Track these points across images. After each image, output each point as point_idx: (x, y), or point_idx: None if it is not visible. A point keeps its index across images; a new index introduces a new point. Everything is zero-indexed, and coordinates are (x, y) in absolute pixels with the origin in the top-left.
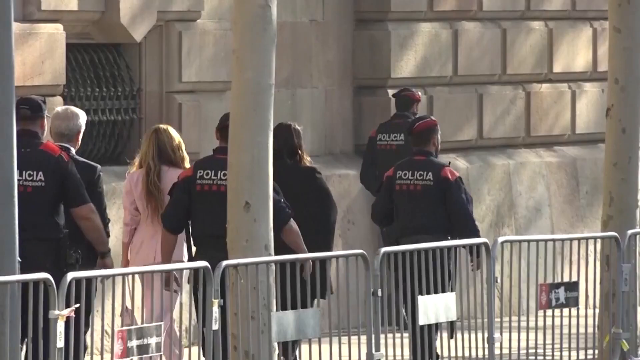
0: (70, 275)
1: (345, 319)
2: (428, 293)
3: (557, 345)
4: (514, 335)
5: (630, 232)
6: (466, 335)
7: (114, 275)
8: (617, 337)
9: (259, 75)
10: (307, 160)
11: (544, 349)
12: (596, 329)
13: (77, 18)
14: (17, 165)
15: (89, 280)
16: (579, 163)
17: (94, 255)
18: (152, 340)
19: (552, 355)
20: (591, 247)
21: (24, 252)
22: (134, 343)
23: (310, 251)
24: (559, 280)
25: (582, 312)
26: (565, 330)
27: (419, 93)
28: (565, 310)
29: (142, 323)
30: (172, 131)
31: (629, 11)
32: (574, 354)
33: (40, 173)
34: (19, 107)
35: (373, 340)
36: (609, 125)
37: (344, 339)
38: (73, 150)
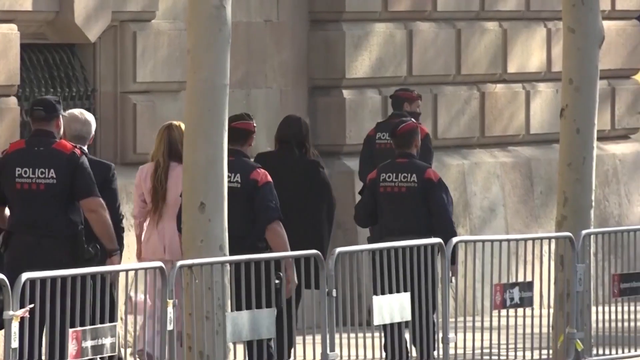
0: (25, 275)
1: (300, 319)
2: (383, 293)
3: (511, 345)
4: (469, 335)
5: (584, 232)
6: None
7: (69, 277)
8: (571, 337)
9: (213, 76)
10: (313, 153)
11: (499, 348)
12: (550, 328)
13: (31, 18)
14: (29, 163)
15: (43, 280)
16: (533, 163)
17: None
18: (107, 341)
19: (507, 355)
20: (545, 247)
21: (40, 249)
22: (88, 343)
23: (303, 243)
24: (514, 281)
25: (536, 312)
26: (520, 330)
27: (416, 92)
28: (520, 310)
29: (146, 315)
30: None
31: (583, 11)
32: (528, 353)
33: (52, 170)
34: (34, 108)
35: (328, 341)
36: (563, 125)
37: (299, 339)
38: (86, 151)
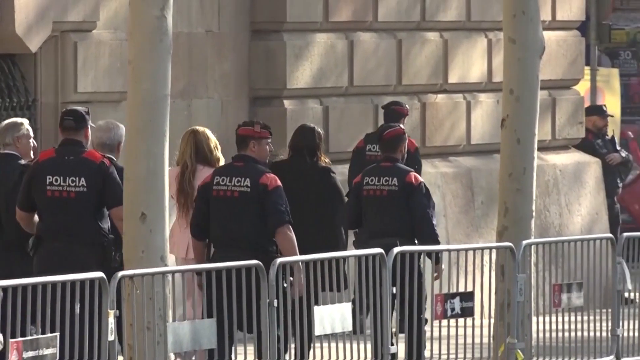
0: None
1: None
2: (324, 303)
3: (452, 356)
4: None
5: (525, 242)
6: (362, 346)
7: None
8: (511, 347)
9: (154, 86)
10: (324, 161)
11: (439, 359)
12: (491, 339)
13: None
14: (60, 172)
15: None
16: (474, 173)
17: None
18: (48, 352)
19: None
20: (486, 258)
21: (70, 254)
22: (29, 354)
23: (320, 248)
24: (454, 291)
25: (477, 322)
26: (461, 341)
27: (407, 107)
28: (461, 321)
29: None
30: (209, 133)
31: (524, 22)
32: None
33: (83, 179)
34: (64, 118)
35: (269, 351)
36: (504, 135)
37: (240, 349)
38: (115, 160)
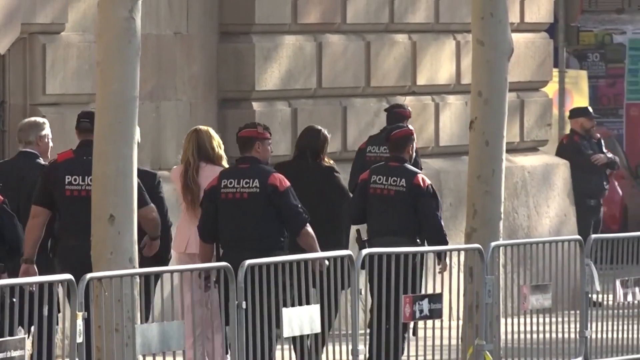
0: None
1: (210, 331)
2: (293, 305)
3: (420, 357)
4: None
5: (493, 244)
6: (330, 348)
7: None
8: (480, 349)
9: (123, 88)
10: (328, 162)
11: None
12: (460, 340)
13: None
14: (79, 171)
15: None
16: (442, 175)
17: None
18: (16, 354)
19: None
20: (455, 259)
21: (86, 251)
22: None
23: (325, 247)
24: (423, 292)
25: (445, 324)
26: (429, 342)
27: (410, 109)
28: (429, 322)
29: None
30: (212, 131)
31: (492, 24)
32: None
33: None
34: (80, 120)
35: (237, 353)
36: (473, 137)
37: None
38: None
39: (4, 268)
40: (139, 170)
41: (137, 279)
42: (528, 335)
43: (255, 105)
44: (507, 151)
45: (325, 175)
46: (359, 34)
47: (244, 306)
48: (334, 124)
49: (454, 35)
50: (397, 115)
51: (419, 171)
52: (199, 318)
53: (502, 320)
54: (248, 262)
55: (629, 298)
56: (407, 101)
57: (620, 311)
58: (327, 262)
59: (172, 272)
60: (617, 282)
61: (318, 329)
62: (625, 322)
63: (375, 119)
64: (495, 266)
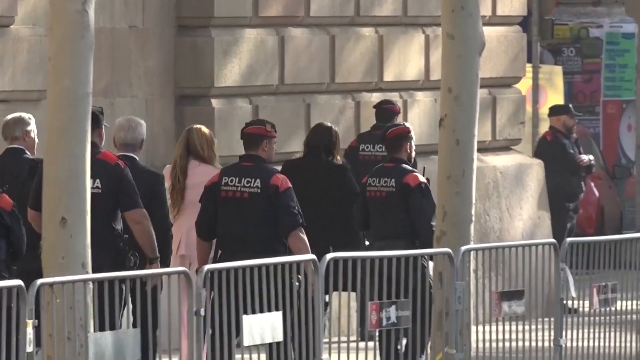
0: None
1: (166, 340)
2: (254, 312)
3: None
4: (343, 356)
5: (464, 248)
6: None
7: None
8: (450, 358)
9: (76, 84)
10: (338, 160)
11: None
12: (429, 349)
13: None
14: None
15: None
16: None
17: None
18: None
19: None
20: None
21: None
22: None
23: (337, 247)
24: (390, 299)
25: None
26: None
27: (399, 105)
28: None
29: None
30: (205, 130)
31: (463, 17)
32: None
33: (98, 180)
34: None
35: None
36: (442, 136)
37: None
38: (137, 159)
39: (16, 272)
40: (141, 170)
41: (90, 285)
42: (500, 344)
43: (215, 102)
44: (479, 150)
45: (338, 174)
46: (323, 28)
47: (202, 313)
48: (296, 122)
49: (423, 28)
50: (386, 111)
51: (412, 170)
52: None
53: (473, 328)
54: (207, 267)
55: (606, 305)
56: (374, 98)
57: (597, 318)
58: (312, 267)
59: (132, 277)
60: (594, 288)
61: (280, 338)
62: (602, 330)
63: (340, 116)
64: (466, 271)
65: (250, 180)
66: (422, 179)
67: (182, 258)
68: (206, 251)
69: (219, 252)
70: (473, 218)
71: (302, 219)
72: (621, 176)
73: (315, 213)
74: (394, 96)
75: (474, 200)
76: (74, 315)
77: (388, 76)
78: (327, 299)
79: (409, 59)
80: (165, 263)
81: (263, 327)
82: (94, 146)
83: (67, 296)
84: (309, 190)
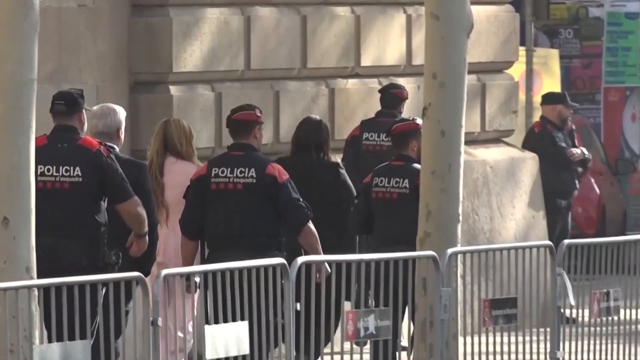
0: None
1: (121, 353)
2: (217, 322)
3: None
4: None
5: (450, 251)
6: None
7: None
8: None
9: (19, 69)
10: (329, 157)
11: None
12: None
13: None
14: (52, 161)
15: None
16: None
17: (133, 260)
18: None
19: None
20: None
21: (59, 250)
22: None
23: (333, 249)
24: (369, 307)
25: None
26: None
27: (407, 90)
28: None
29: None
30: (184, 123)
31: None
32: None
33: (78, 168)
34: (54, 102)
35: None
36: (426, 126)
37: None
38: (117, 149)
39: None
40: (122, 160)
41: (36, 292)
42: (490, 357)
43: (173, 89)
44: (466, 143)
45: (330, 172)
46: (294, 7)
47: (159, 323)
48: (264, 111)
49: (404, 8)
50: (392, 97)
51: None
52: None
53: (460, 340)
54: (165, 272)
55: (608, 314)
56: (350, 85)
57: (598, 329)
58: (329, 269)
59: (76, 284)
60: (594, 295)
61: (246, 350)
62: (604, 342)
63: (312, 105)
64: (453, 276)
65: (243, 170)
66: None
67: (159, 265)
68: (192, 251)
69: (208, 251)
70: (460, 218)
71: (309, 210)
72: (624, 171)
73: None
74: (372, 83)
75: (461, 198)
76: (17, 325)
77: (366, 61)
78: (298, 307)
79: (388, 41)
80: (147, 266)
81: (227, 338)
82: (73, 131)
83: (10, 304)
84: (300, 191)
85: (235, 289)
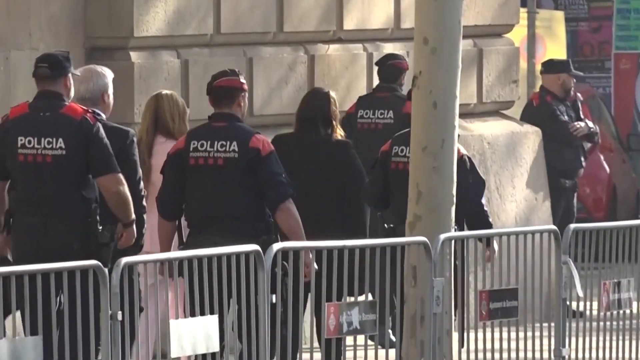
0: None
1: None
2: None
3: None
4: None
5: (443, 236)
6: None
7: None
8: None
9: None
10: (340, 134)
11: None
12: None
13: None
14: (34, 132)
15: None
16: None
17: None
18: None
19: None
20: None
21: (45, 231)
22: None
23: (343, 236)
24: (353, 299)
25: (382, 339)
26: None
27: (407, 60)
28: (361, 338)
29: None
30: (177, 97)
31: None
32: None
33: (61, 140)
34: (37, 65)
35: None
36: (417, 98)
37: None
38: (104, 116)
39: None
40: (107, 127)
41: None
42: (488, 355)
43: (134, 55)
44: (461, 116)
45: (339, 151)
46: None
47: (119, 317)
48: None
49: None
50: (391, 69)
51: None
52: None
53: (455, 335)
54: (125, 259)
55: (619, 306)
56: (332, 51)
57: (607, 323)
58: (316, 266)
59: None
60: (604, 286)
61: (216, 347)
62: (614, 337)
63: (290, 73)
64: (446, 265)
65: (224, 143)
66: (463, 150)
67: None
68: (170, 233)
69: (187, 233)
70: (455, 199)
71: (291, 188)
72: (637, 148)
73: (312, 201)
74: (356, 49)
75: (455, 178)
76: None
77: (349, 24)
78: (273, 300)
79: (374, 2)
80: (137, 242)
81: (195, 334)
82: (58, 98)
83: None
84: (305, 172)
85: (203, 280)
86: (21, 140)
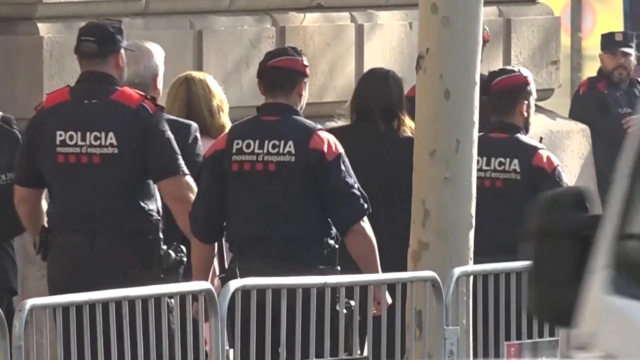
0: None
1: None
2: None
3: None
4: None
5: (458, 270)
6: None
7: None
8: None
9: None
10: (409, 127)
11: None
12: None
13: None
14: (76, 125)
15: None
16: None
17: None
18: None
19: None
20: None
21: (92, 253)
22: None
23: (403, 248)
24: (343, 355)
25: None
26: None
27: (487, 29)
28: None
29: None
30: (212, 82)
31: None
32: None
33: (112, 134)
34: (80, 39)
35: None
36: (422, 83)
37: None
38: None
39: None
40: (167, 120)
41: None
42: None
43: (43, 28)
44: None
45: (405, 150)
46: None
47: None
48: (180, 58)
49: None
50: None
51: (539, 145)
52: None
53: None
54: (30, 302)
55: None
56: (309, 22)
57: None
58: (389, 301)
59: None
60: None
61: None
62: None
63: (251, 50)
64: (463, 308)
65: (278, 143)
66: (555, 159)
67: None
68: (207, 260)
69: (229, 256)
70: (474, 221)
71: (366, 202)
72: None
73: (372, 206)
74: (342, 19)
75: (474, 193)
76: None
77: None
78: (231, 356)
79: None
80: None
81: None
82: (108, 81)
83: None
84: (364, 174)
85: (136, 328)
86: (60, 136)
